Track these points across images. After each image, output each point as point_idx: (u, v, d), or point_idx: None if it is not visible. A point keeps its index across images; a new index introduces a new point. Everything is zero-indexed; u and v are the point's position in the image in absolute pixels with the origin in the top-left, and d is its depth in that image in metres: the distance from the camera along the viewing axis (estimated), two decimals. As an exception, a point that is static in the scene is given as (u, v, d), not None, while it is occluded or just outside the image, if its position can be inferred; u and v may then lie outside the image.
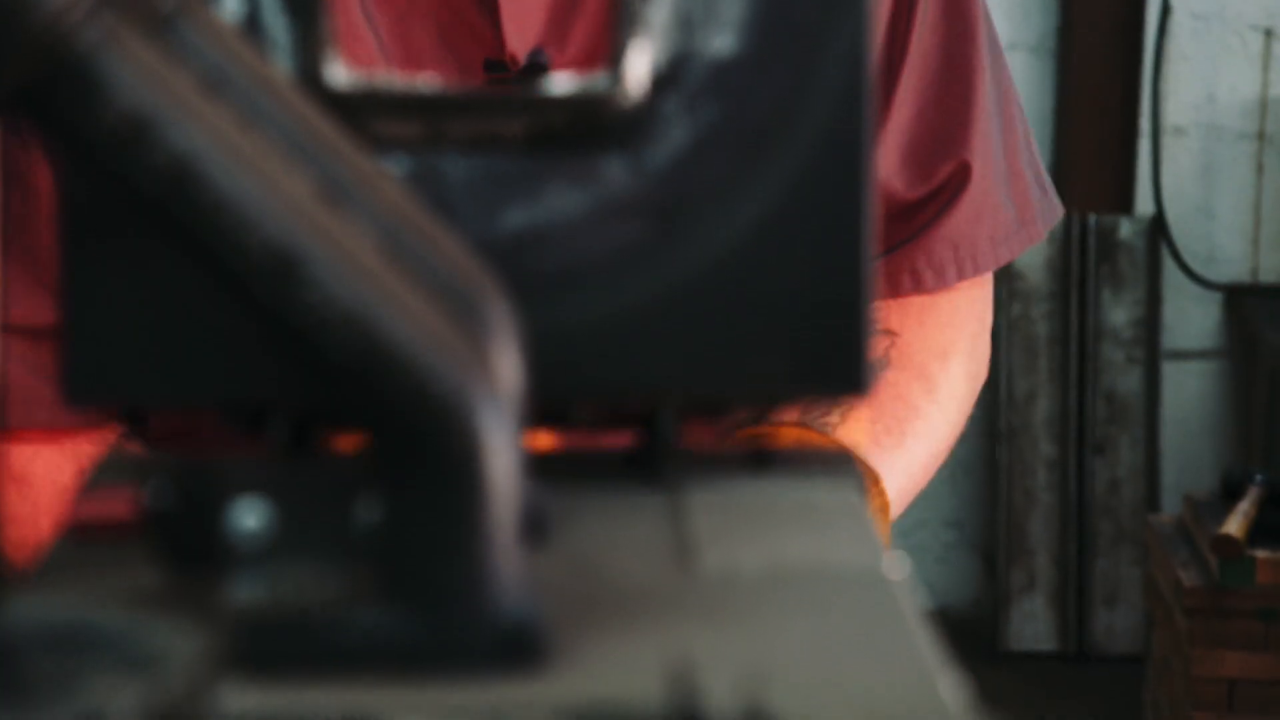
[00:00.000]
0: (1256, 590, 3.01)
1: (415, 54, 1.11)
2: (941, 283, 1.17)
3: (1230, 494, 3.12)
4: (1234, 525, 3.00)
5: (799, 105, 0.67)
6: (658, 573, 0.60)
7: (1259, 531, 3.03)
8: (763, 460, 0.72)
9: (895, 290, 1.16)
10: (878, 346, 1.10)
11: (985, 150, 1.18)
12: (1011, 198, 1.20)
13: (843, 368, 0.68)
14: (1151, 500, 3.88)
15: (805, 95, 0.67)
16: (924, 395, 1.16)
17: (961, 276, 1.18)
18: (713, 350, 0.68)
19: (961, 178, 1.17)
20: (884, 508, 1.04)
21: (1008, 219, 1.19)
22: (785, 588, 0.59)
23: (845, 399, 0.70)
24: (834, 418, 1.10)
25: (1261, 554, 3.00)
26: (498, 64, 1.10)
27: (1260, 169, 4.02)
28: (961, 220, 1.17)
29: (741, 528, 0.64)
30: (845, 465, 0.72)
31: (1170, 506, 3.78)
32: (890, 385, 1.14)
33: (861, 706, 0.49)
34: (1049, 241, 3.95)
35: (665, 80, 0.67)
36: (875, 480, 1.04)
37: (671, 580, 0.59)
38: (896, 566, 0.61)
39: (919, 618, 0.56)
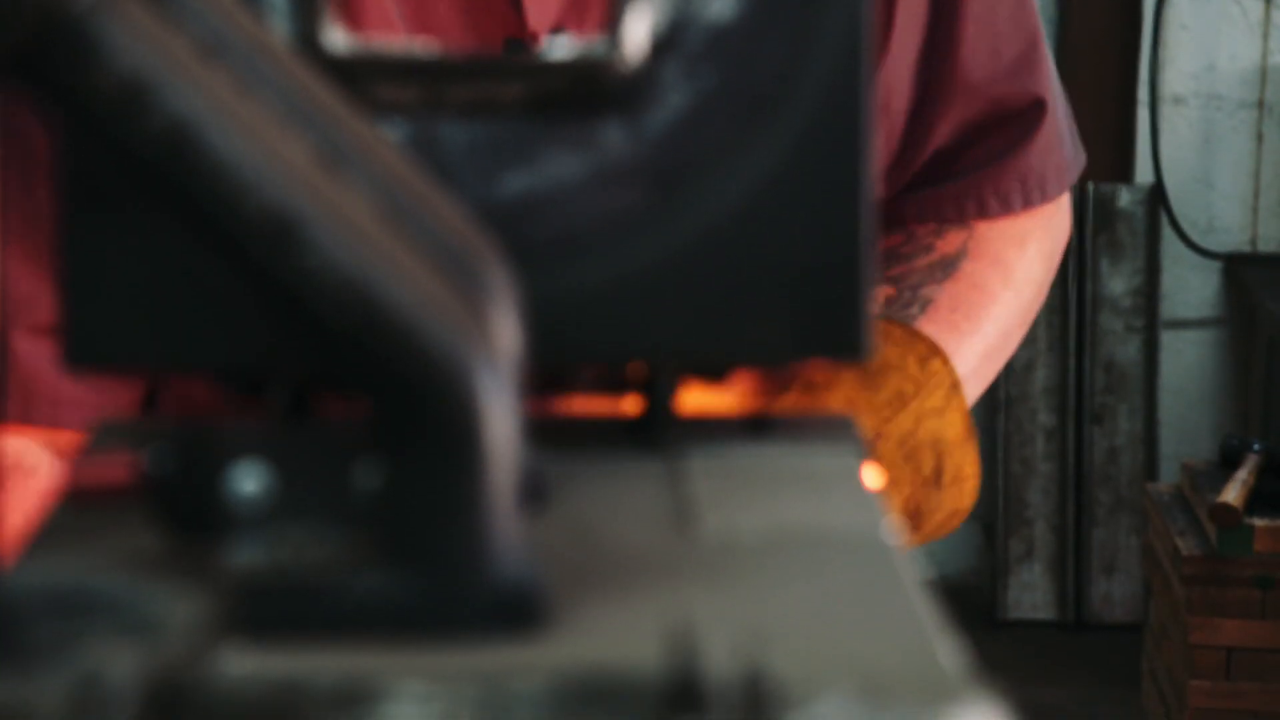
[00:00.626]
0: (1254, 558, 3.02)
1: (436, 31, 1.12)
2: (1007, 210, 1.21)
3: (1228, 462, 3.13)
4: (1232, 494, 3.00)
5: (798, 70, 0.67)
6: (657, 537, 0.60)
7: (1257, 500, 3.04)
8: (762, 426, 0.72)
9: (961, 216, 1.21)
10: (955, 240, 1.19)
11: (1053, 83, 1.23)
12: (1070, 127, 1.26)
13: (843, 331, 0.68)
14: (1150, 469, 3.88)
15: (804, 60, 0.67)
16: (1000, 282, 1.20)
17: (1028, 205, 1.21)
18: (712, 315, 0.68)
19: (1038, 112, 1.21)
20: (955, 384, 1.09)
21: (1070, 147, 1.24)
22: (784, 553, 0.59)
23: (846, 362, 0.70)
24: (914, 310, 1.16)
25: (1259, 522, 3.01)
26: (518, 42, 1.13)
27: (1260, 138, 4.02)
28: (1035, 154, 1.21)
29: (741, 493, 0.64)
30: (844, 430, 0.72)
31: (1168, 475, 3.78)
32: (968, 275, 1.19)
33: (860, 671, 0.49)
34: (1048, 211, 3.95)
35: (664, 45, 0.67)
36: (943, 358, 1.10)
37: (670, 545, 0.59)
38: (892, 532, 0.61)
39: (917, 583, 0.56)
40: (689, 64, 0.67)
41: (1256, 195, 4.03)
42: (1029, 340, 3.93)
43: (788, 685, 0.47)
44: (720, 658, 0.48)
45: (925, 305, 1.16)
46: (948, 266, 1.19)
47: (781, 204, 0.67)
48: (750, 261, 0.68)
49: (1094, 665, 3.70)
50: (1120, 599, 3.90)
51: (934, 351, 1.10)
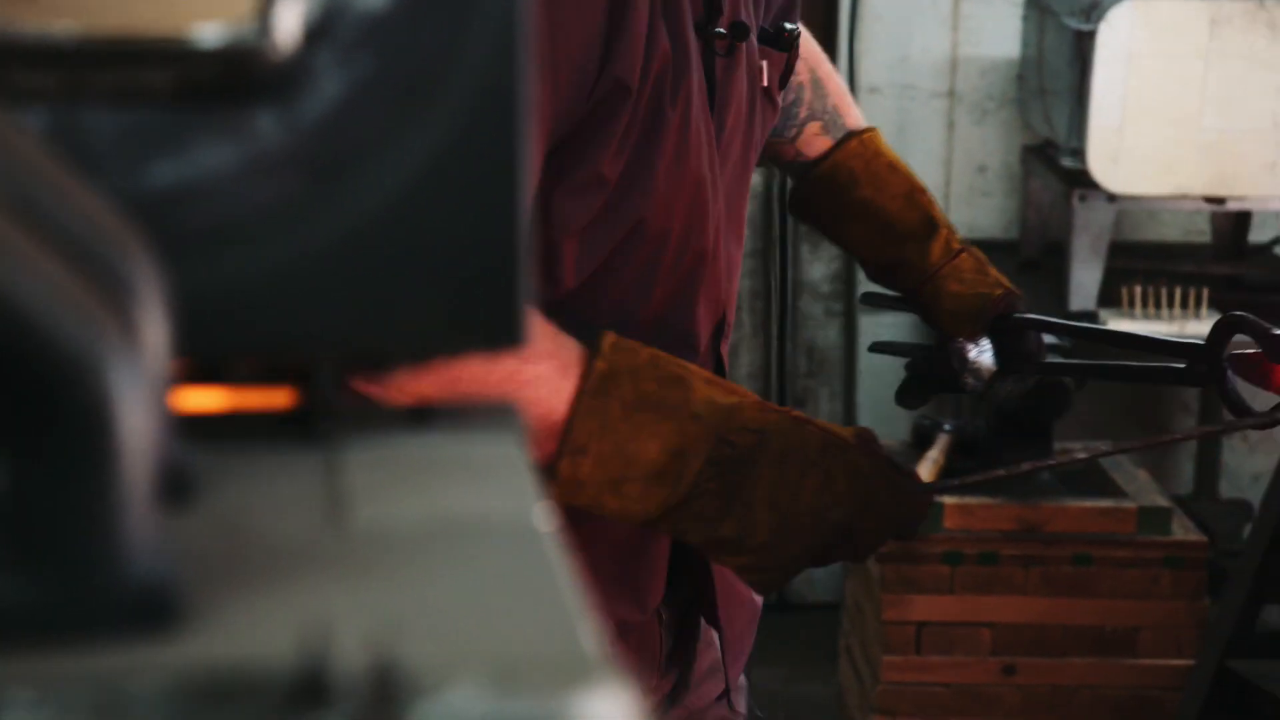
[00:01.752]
0: (944, 535, 3.11)
1: None
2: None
3: (920, 442, 3.22)
4: (924, 472, 3.09)
5: (454, 59, 0.67)
6: (307, 531, 0.59)
7: (947, 478, 3.12)
8: (423, 415, 0.71)
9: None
10: (802, 71, 1.87)
11: None
12: None
13: (499, 319, 0.68)
14: (849, 450, 3.97)
15: (460, 48, 0.67)
16: (829, 60, 1.91)
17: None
18: (370, 304, 0.67)
19: None
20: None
21: None
22: (436, 542, 0.58)
23: (501, 351, 0.70)
24: (840, 120, 1.88)
25: (949, 500, 3.11)
26: (741, 26, 1.55)
27: (951, 126, 4.15)
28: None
29: (397, 483, 0.64)
30: (506, 418, 0.72)
31: (866, 456, 3.87)
32: (825, 78, 1.88)
33: (495, 655, 0.49)
34: (751, 199, 4.02)
35: (317, 33, 0.66)
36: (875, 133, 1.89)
37: (321, 538, 0.59)
38: (546, 518, 0.61)
39: (566, 569, 0.57)
40: (343, 52, 0.66)
41: (948, 183, 4.16)
42: (735, 325, 3.99)
43: (419, 674, 0.47)
44: (352, 649, 0.48)
45: (837, 117, 1.86)
46: (816, 84, 1.86)
47: (438, 194, 0.67)
48: (407, 250, 0.67)
49: (796, 644, 3.78)
50: (821, 578, 3.99)
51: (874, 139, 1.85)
